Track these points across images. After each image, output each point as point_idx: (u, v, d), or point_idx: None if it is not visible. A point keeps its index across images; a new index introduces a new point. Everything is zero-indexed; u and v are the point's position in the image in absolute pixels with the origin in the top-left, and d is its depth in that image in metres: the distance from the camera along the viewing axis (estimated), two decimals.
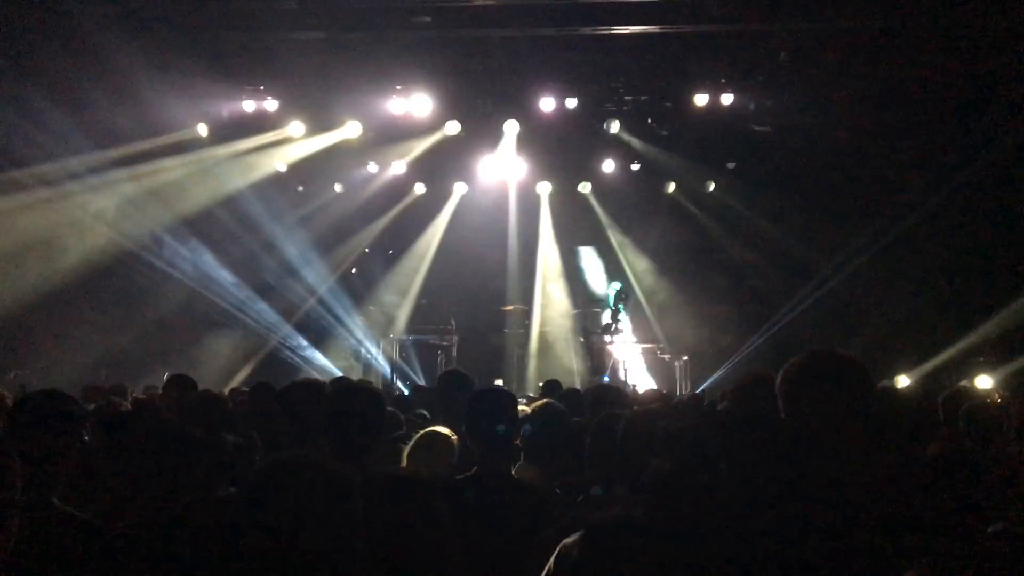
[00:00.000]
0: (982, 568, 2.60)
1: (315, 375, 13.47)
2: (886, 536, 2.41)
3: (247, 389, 6.86)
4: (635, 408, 3.68)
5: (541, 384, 8.91)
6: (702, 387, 13.23)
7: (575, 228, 16.36)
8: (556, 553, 2.64)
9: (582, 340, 14.60)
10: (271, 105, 13.27)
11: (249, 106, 13.21)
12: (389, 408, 4.55)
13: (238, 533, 2.15)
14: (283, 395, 4.36)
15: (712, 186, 15.27)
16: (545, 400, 4.27)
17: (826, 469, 2.43)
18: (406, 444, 4.18)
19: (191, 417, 4.87)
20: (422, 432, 4.13)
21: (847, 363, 2.55)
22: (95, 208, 12.75)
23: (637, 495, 1.93)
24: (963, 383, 10.08)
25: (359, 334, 15.44)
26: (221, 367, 13.79)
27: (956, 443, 4.36)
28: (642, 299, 15.74)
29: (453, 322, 14.99)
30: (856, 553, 2.12)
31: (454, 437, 4.01)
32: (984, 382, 10.69)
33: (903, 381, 11.45)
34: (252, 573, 2.06)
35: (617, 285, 13.83)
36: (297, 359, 15.13)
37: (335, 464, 2.21)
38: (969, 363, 11.73)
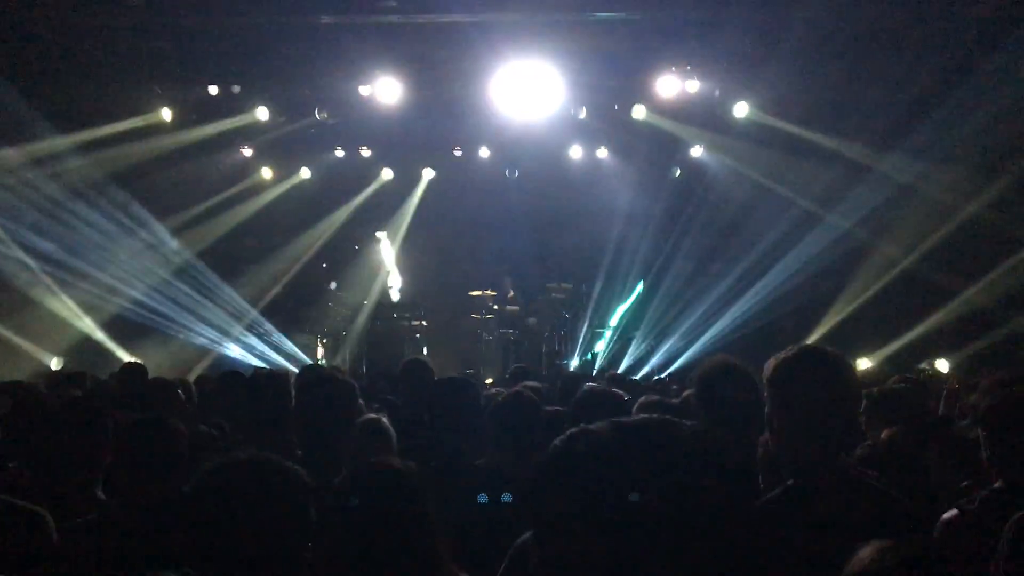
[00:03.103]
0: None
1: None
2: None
3: (214, 376, 6.82)
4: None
5: (509, 371, 8.90)
6: (668, 371, 13.27)
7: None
8: (511, 552, 2.67)
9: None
10: (235, 89, 13.09)
11: (213, 90, 13.01)
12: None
13: (187, 531, 2.14)
14: (252, 384, 4.34)
15: (678, 172, 15.45)
16: (515, 390, 4.26)
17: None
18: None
19: (144, 406, 4.86)
20: (362, 421, 4.01)
21: (836, 359, 2.71)
22: None
23: None
24: (922, 365, 10.28)
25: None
26: None
27: (911, 429, 4.47)
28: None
29: (422, 310, 14.98)
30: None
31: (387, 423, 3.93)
32: (942, 366, 10.90)
33: (863, 364, 11.66)
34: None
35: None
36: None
37: (294, 468, 2.19)
38: (928, 347, 11.92)
